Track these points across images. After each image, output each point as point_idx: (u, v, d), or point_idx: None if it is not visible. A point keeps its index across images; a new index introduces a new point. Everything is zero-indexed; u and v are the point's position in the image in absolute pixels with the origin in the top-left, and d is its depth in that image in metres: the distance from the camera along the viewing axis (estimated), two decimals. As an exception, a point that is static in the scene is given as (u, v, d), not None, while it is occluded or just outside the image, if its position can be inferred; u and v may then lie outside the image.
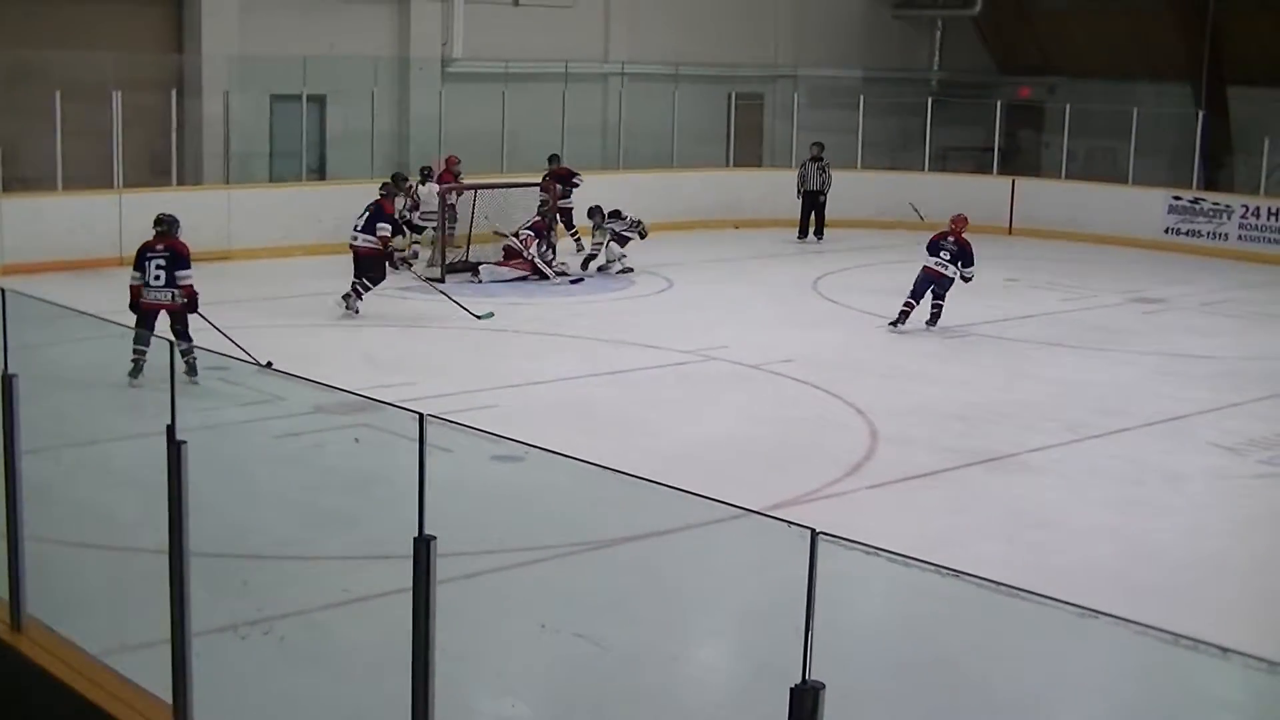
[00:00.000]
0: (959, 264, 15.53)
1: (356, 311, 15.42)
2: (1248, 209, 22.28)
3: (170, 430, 5.02)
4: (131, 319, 12.10)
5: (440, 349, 14.53)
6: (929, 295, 15.53)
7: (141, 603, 6.07)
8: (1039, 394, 13.08)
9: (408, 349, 14.39)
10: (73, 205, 17.99)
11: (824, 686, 3.37)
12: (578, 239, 20.19)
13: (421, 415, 4.23)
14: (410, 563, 4.24)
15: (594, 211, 19.13)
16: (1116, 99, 24.40)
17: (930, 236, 16.04)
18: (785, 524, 3.50)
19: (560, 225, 19.73)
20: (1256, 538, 9.67)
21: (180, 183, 19.59)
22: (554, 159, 20.92)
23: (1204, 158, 23.73)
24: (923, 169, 25.11)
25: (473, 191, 18.77)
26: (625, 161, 23.99)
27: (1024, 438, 11.48)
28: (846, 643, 4.17)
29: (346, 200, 20.03)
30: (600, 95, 24.75)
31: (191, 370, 11.08)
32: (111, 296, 12.56)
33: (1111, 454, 11.21)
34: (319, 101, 21.21)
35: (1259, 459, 11.14)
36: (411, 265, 17.61)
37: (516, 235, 18.30)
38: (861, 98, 25.20)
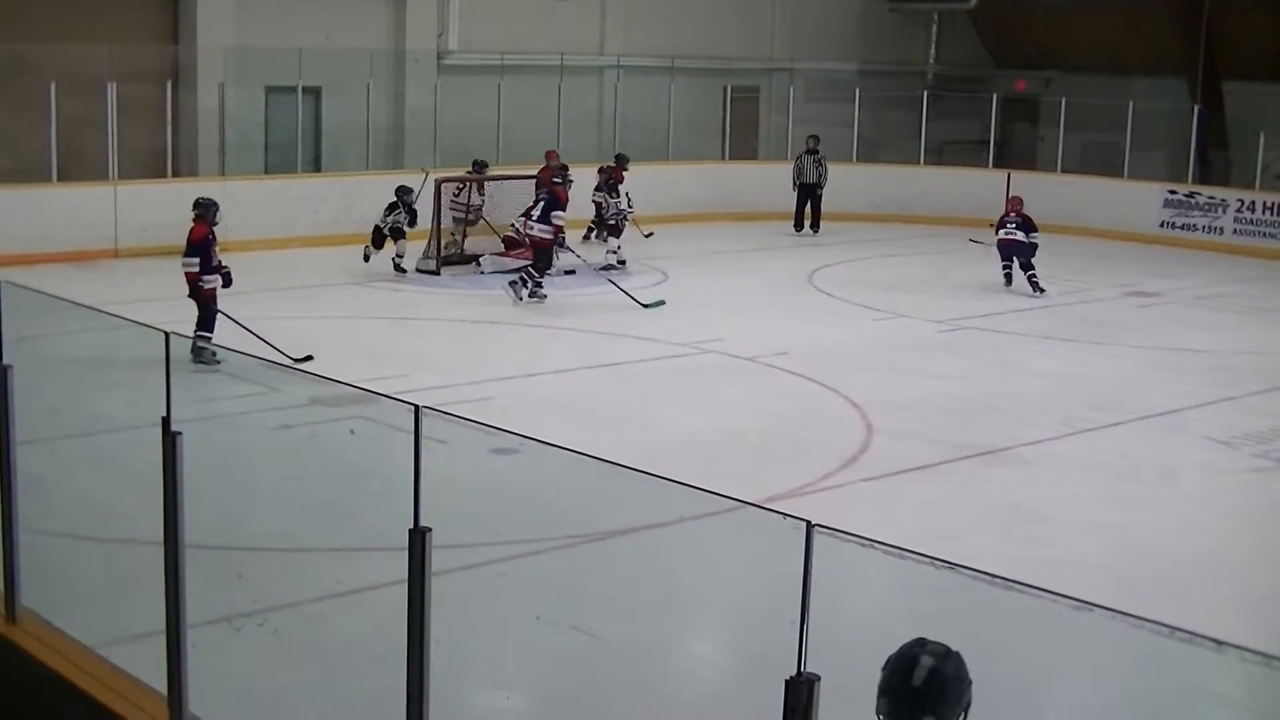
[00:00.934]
0: (1025, 232, 17.85)
1: (543, 298, 15.93)
2: (1243, 203, 22.31)
3: (165, 422, 5.01)
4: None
5: (436, 341, 14.53)
6: (1017, 265, 17.91)
7: (137, 595, 6.06)
8: (1034, 387, 13.10)
9: (403, 341, 14.39)
10: (68, 197, 17.98)
11: (819, 679, 3.37)
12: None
13: (417, 407, 4.22)
14: (405, 555, 4.24)
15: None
16: (1112, 93, 24.41)
17: (997, 219, 18.53)
18: (781, 516, 3.50)
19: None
20: (1250, 532, 9.69)
21: (176, 175, 19.57)
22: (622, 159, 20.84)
23: (1199, 152, 23.75)
24: (918, 162, 25.11)
25: (468, 185, 18.74)
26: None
27: (1019, 431, 11.49)
28: (842, 635, 4.17)
29: (342, 192, 20.10)
30: (596, 88, 24.73)
31: (196, 356, 11.16)
32: (107, 289, 12.57)
33: (1106, 448, 11.23)
34: (314, 93, 21.17)
35: (1253, 453, 11.16)
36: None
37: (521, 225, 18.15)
38: (857, 91, 25.19)
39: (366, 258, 17.49)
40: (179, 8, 20.35)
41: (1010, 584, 3.20)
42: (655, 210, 19.51)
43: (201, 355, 11.48)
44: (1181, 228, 22.77)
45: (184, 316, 12.42)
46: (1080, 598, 3.09)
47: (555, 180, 16.76)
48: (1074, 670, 6.71)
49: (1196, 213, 22.69)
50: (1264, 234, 22.00)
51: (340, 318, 15.07)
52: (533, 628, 7.22)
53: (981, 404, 12.39)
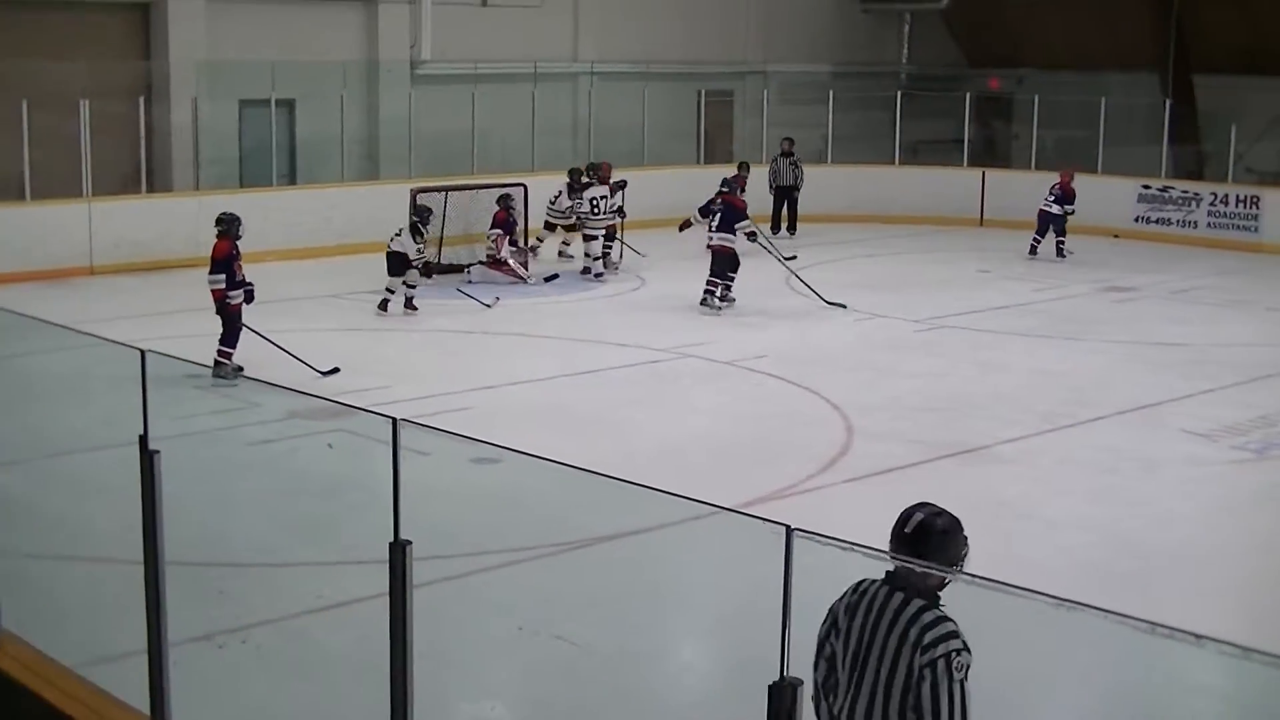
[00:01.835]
0: (1061, 204, 20.30)
1: (720, 309, 16.28)
2: (1216, 196, 22.41)
3: (143, 440, 4.99)
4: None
5: (416, 352, 14.49)
6: (1051, 233, 20.36)
7: (117, 614, 6.03)
8: (1012, 385, 13.13)
9: (382, 353, 14.34)
10: (41, 215, 17.88)
11: (802, 683, 3.37)
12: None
13: (395, 420, 4.21)
14: (387, 567, 4.22)
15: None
16: (1085, 90, 24.47)
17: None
18: (761, 521, 3.50)
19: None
20: (1230, 524, 9.73)
21: (150, 190, 19.49)
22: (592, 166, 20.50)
23: (1172, 146, 23.86)
24: (893, 162, 25.17)
25: (443, 193, 18.69)
26: (596, 161, 23.90)
27: (998, 429, 11.52)
28: (825, 638, 4.18)
29: (318, 204, 20.04)
30: (570, 95, 24.72)
31: (216, 371, 11.18)
32: (81, 306, 12.50)
33: (1085, 443, 11.26)
34: (288, 106, 21.12)
35: (1232, 445, 11.21)
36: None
37: (491, 246, 18.08)
38: (831, 92, 25.24)
39: (384, 305, 15.95)
40: (150, 23, 20.29)
41: (991, 582, 3.20)
42: (631, 215, 19.46)
43: (222, 370, 11.45)
44: (1156, 222, 22.86)
45: (158, 334, 12.38)
46: (1061, 595, 3.10)
47: (724, 189, 17.08)
48: (1057, 667, 6.73)
49: (1171, 206, 22.79)
50: (1238, 227, 22.10)
51: (321, 330, 15.02)
52: (516, 637, 7.21)
53: (961, 402, 12.41)
